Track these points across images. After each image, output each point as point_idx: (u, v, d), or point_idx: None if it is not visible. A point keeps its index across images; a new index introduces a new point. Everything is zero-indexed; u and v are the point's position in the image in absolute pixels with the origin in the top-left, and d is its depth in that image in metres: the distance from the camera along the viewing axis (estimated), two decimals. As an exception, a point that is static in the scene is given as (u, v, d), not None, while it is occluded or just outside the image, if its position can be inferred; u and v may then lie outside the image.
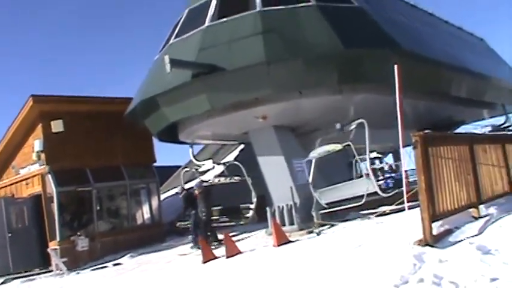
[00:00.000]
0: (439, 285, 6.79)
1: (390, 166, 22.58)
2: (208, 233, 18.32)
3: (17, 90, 73.32)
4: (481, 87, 24.33)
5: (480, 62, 26.87)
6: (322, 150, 17.03)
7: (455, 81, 21.68)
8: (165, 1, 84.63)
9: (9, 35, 70.96)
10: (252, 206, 19.70)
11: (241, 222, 20.96)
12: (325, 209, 16.94)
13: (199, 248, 17.18)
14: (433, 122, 22.44)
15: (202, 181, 20.51)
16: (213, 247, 16.97)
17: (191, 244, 19.10)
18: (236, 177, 21.05)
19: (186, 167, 23.41)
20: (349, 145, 16.36)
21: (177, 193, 20.53)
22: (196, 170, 22.15)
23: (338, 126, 17.28)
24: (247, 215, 20.22)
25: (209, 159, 23.31)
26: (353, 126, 16.87)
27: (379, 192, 15.86)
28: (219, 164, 22.13)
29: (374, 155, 21.20)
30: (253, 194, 19.87)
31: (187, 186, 22.04)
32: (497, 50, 33.76)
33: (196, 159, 22.36)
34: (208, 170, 23.04)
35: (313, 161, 17.24)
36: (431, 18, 27.12)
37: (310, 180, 17.32)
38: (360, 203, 16.02)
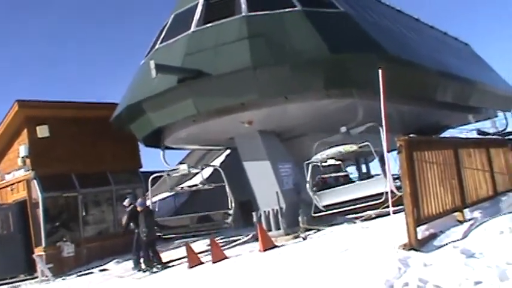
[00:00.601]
0: (424, 289, 6.81)
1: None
2: (151, 255, 16.76)
3: (7, 97, 72.86)
4: (466, 92, 24.46)
5: (465, 67, 27.05)
6: (333, 151, 16.99)
7: (441, 86, 21.79)
8: (151, 6, 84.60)
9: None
10: (231, 212, 19.27)
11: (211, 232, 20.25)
12: (321, 212, 16.95)
13: (139, 270, 16.69)
14: (419, 127, 22.54)
15: (145, 198, 19.61)
16: (155, 270, 16.26)
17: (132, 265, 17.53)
18: (213, 184, 20.44)
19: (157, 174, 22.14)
20: (367, 145, 16.30)
21: (124, 206, 19.41)
22: (168, 175, 21.27)
23: (343, 129, 17.30)
24: (227, 221, 19.74)
25: (182, 163, 22.69)
26: (361, 129, 16.87)
27: (396, 191, 15.63)
28: (192, 167, 21.47)
29: (332, 161, 21.04)
30: (230, 199, 19.31)
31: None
32: (482, 55, 34.07)
33: (168, 164, 21.29)
34: (184, 175, 22.34)
35: (311, 165, 17.24)
36: (416, 23, 27.31)
37: (308, 182, 17.30)
38: (380, 201, 15.76)
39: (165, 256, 18.29)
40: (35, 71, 77.28)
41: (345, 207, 16.64)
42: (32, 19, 73.53)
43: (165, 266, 16.47)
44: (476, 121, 29.60)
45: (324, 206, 17.06)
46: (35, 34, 72.83)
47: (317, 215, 17.03)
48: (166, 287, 12.53)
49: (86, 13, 78.16)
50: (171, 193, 24.32)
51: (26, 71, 76.67)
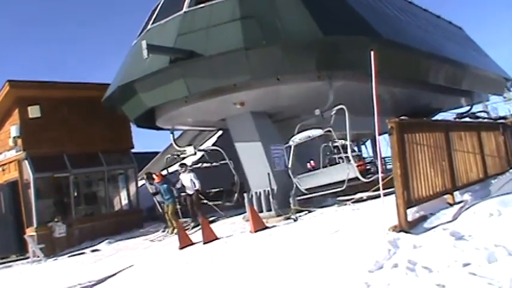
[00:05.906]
0: (413, 271, 6.82)
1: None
2: None
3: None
4: (458, 75, 24.46)
5: (458, 50, 27.03)
6: (303, 135, 17.03)
7: (434, 69, 21.77)
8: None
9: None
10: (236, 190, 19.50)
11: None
12: (305, 195, 16.99)
13: None
14: (411, 109, 22.55)
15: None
16: None
17: None
18: (215, 163, 20.84)
19: (170, 154, 22.93)
20: (329, 131, 16.40)
21: None
22: (178, 156, 21.93)
23: (317, 112, 17.30)
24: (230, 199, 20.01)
25: (190, 145, 23.10)
26: (333, 112, 16.88)
27: (360, 177, 15.93)
28: (200, 150, 21.95)
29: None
30: (236, 177, 19.75)
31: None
32: (475, 39, 34.05)
33: (177, 145, 22.05)
34: (189, 156, 22.80)
35: (292, 147, 17.23)
36: (410, 6, 27.22)
37: (289, 166, 17.33)
38: (341, 189, 16.09)
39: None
40: (28, 52, 76.89)
41: (326, 190, 16.73)
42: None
43: None
44: (468, 104, 29.68)
45: (306, 189, 17.12)
46: (27, 14, 72.31)
47: (298, 198, 17.09)
48: (158, 269, 12.53)
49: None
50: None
51: (19, 52, 76.26)
